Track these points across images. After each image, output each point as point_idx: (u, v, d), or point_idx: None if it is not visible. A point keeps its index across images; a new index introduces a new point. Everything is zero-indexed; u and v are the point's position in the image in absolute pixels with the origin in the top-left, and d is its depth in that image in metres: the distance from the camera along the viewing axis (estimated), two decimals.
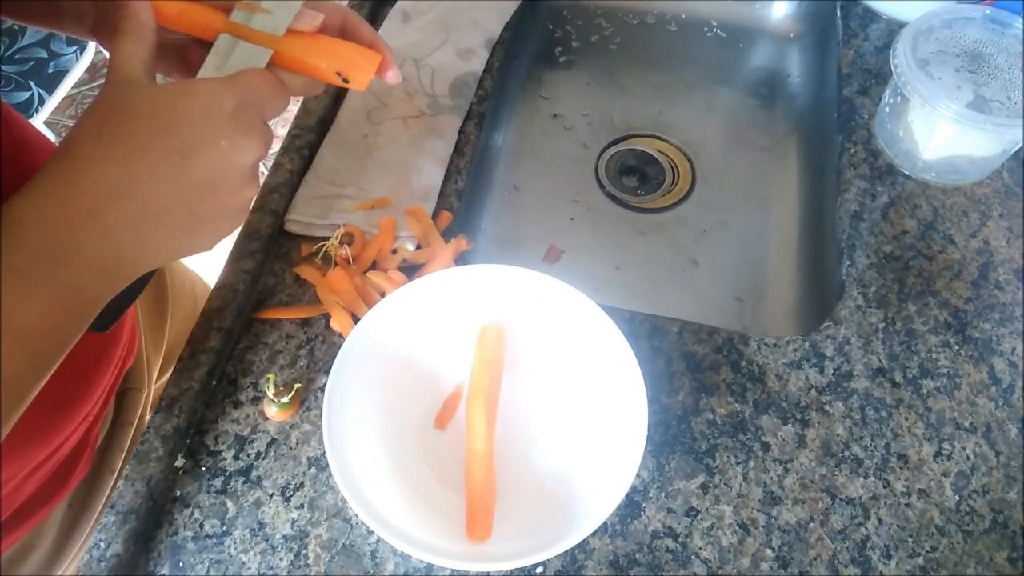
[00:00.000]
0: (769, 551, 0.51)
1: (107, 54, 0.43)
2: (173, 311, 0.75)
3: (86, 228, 0.36)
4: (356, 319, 0.57)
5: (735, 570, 0.50)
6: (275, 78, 0.43)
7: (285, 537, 0.51)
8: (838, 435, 0.55)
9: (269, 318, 0.60)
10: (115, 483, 0.66)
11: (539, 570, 0.50)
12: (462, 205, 0.68)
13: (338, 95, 0.72)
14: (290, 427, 0.55)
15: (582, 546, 0.51)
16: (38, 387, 0.39)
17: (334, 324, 0.58)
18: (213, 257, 0.56)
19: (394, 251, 0.59)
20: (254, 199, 0.48)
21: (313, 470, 0.54)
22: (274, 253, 0.63)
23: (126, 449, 0.68)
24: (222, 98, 0.39)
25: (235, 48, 0.44)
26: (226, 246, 0.56)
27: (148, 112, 0.38)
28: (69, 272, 0.36)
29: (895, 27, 0.80)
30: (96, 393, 0.58)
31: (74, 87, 1.43)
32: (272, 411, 0.55)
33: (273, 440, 0.55)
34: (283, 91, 0.43)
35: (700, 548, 0.51)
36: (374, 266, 0.61)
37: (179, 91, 0.38)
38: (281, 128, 1.74)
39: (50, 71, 1.33)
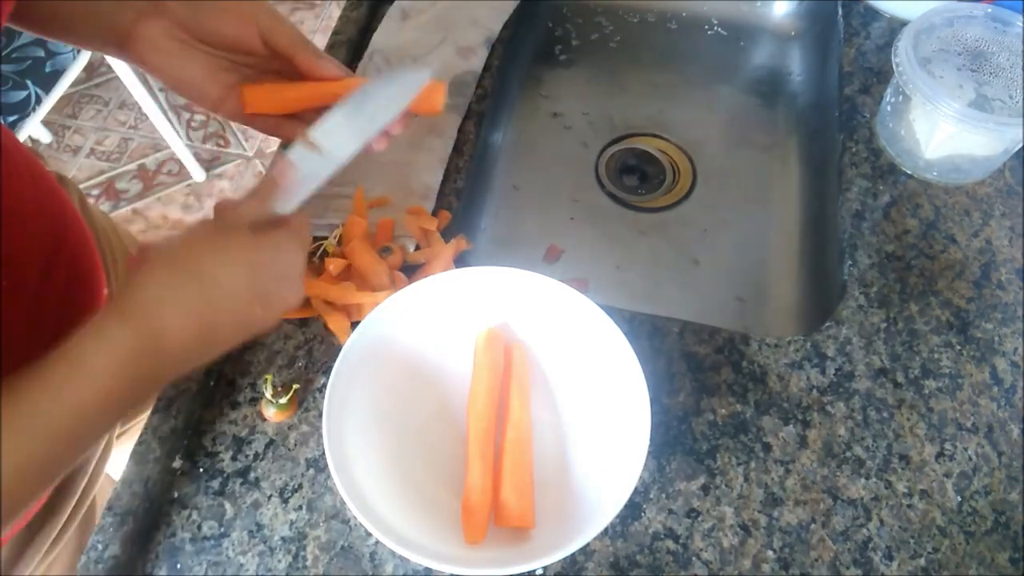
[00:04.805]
0: (770, 552, 0.51)
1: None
2: None
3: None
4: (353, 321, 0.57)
5: (736, 571, 0.50)
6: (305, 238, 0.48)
7: (283, 539, 0.51)
8: (840, 436, 0.55)
9: None
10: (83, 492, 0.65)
11: (539, 572, 0.50)
12: (461, 205, 0.68)
13: None
14: (288, 428, 0.55)
15: (582, 548, 0.50)
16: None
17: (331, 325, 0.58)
18: None
19: (387, 248, 0.59)
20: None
21: (311, 471, 0.53)
22: None
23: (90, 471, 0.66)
24: (255, 280, 0.43)
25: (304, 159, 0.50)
26: None
27: (198, 269, 0.42)
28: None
29: (896, 25, 0.79)
30: None
31: (71, 86, 1.42)
32: (270, 412, 0.55)
33: (271, 441, 0.54)
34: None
35: (701, 549, 0.51)
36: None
37: (229, 261, 0.43)
38: None
39: (48, 70, 1.32)
